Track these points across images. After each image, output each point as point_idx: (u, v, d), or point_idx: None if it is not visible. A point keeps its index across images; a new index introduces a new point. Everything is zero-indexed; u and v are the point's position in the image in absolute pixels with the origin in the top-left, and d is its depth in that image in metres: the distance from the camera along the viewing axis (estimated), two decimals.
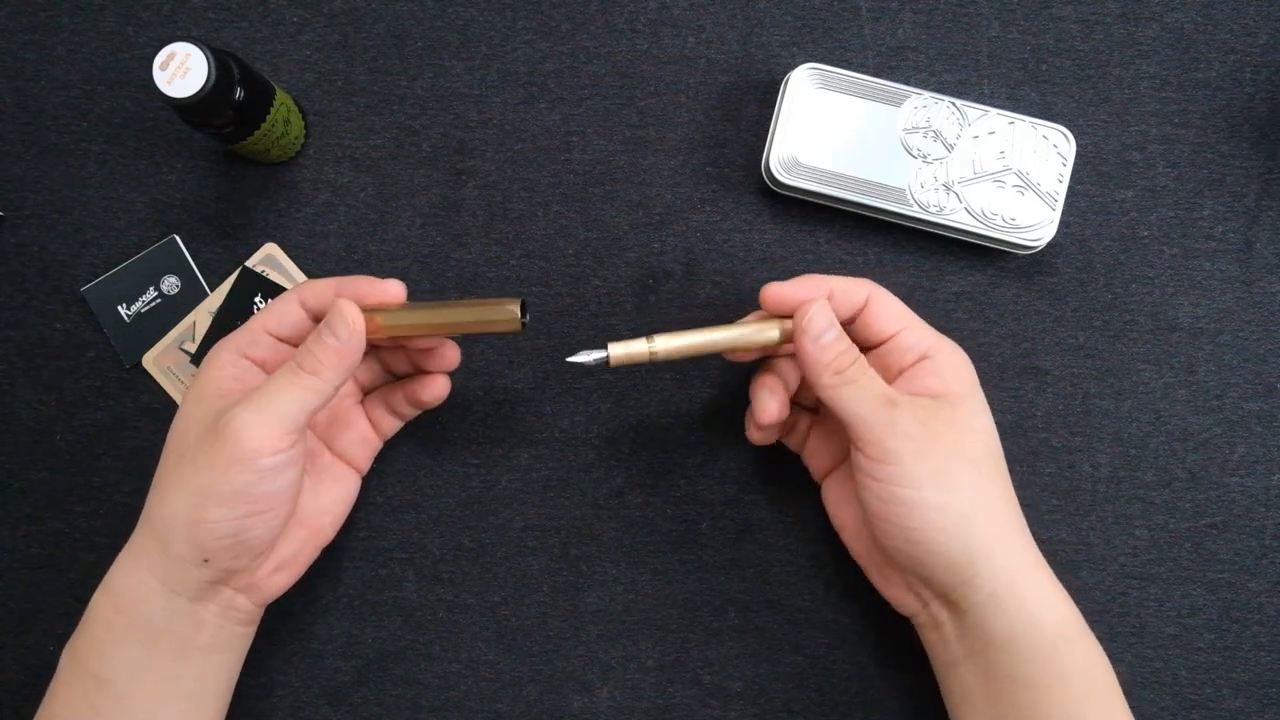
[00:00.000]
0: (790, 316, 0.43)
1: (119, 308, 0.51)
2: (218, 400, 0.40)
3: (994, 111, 0.49)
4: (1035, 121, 0.49)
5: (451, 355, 0.46)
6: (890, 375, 0.43)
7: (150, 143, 0.51)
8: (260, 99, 0.46)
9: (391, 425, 0.48)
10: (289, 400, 0.39)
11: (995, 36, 0.52)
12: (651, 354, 0.42)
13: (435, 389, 0.46)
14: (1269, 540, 0.51)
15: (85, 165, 0.51)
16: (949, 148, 0.49)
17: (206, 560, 0.39)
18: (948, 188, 0.49)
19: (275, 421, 0.38)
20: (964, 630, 0.41)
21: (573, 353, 0.43)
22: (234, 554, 0.39)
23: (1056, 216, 0.49)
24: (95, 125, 0.51)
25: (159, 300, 0.51)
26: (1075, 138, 0.50)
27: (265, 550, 0.41)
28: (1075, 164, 0.51)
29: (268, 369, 0.42)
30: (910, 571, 0.42)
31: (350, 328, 0.40)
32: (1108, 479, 0.51)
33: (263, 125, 0.46)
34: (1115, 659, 0.50)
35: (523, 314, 0.42)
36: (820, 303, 0.41)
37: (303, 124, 0.51)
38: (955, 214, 0.49)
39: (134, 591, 0.40)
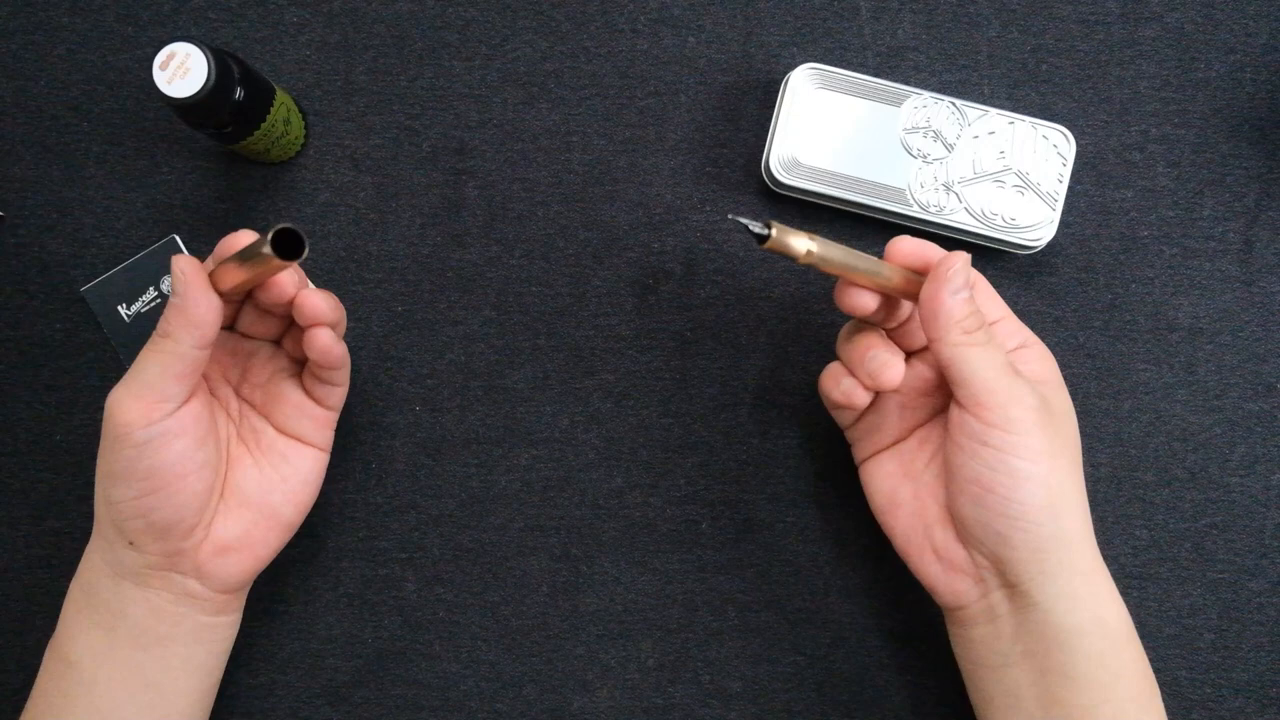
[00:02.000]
0: (917, 271, 0.41)
1: (119, 308, 0.51)
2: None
3: (994, 111, 0.49)
4: (1035, 121, 0.49)
5: (309, 305, 0.40)
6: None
7: (150, 143, 0.51)
8: (260, 99, 0.46)
9: (328, 394, 0.44)
10: (148, 367, 0.38)
11: (995, 36, 0.52)
12: (808, 253, 0.39)
13: (314, 344, 0.41)
14: (1269, 540, 0.51)
15: (85, 165, 0.51)
16: (949, 148, 0.49)
17: (131, 543, 0.39)
18: (948, 188, 0.49)
19: (141, 391, 0.38)
20: (1025, 624, 0.40)
21: (736, 213, 0.40)
22: (152, 535, 0.39)
23: (1056, 216, 0.49)
24: (95, 125, 0.51)
25: (159, 300, 0.51)
26: (1075, 138, 0.50)
27: (188, 529, 0.40)
28: (1075, 164, 0.51)
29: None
30: (991, 551, 0.40)
31: (184, 279, 0.38)
32: (1108, 479, 0.51)
33: (263, 125, 0.46)
34: None
35: (276, 248, 0.36)
36: (964, 259, 0.40)
37: (303, 124, 0.51)
38: (955, 214, 0.49)
39: (89, 575, 0.41)
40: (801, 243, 0.39)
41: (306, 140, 0.52)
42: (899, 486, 0.44)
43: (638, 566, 0.51)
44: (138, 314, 0.51)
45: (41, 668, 0.42)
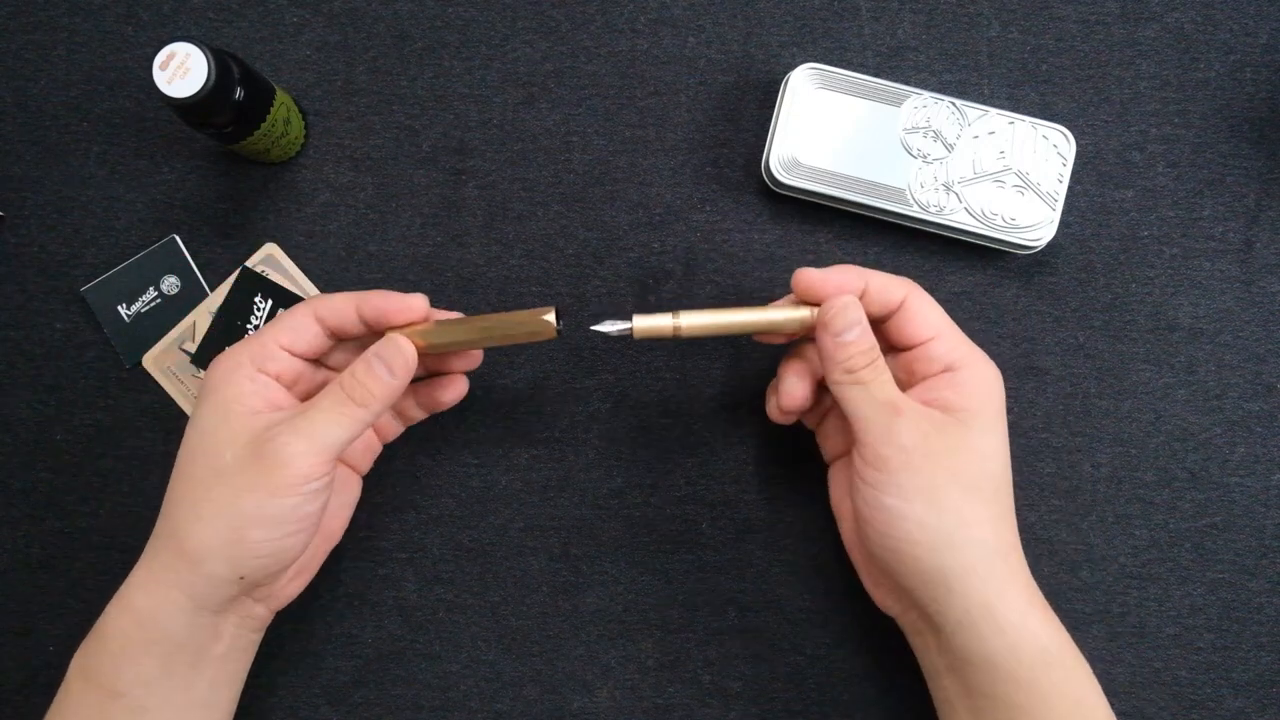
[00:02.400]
0: (819, 304, 0.42)
1: (119, 308, 0.51)
2: (247, 419, 0.40)
3: (994, 111, 0.49)
4: (1035, 121, 0.49)
5: (475, 354, 0.46)
6: (914, 380, 0.42)
7: (150, 143, 0.51)
8: (260, 99, 0.46)
9: (395, 430, 0.48)
10: (338, 429, 0.39)
11: (995, 36, 0.52)
12: (675, 329, 0.41)
13: (457, 389, 0.46)
14: (1269, 540, 0.51)
15: (85, 165, 0.51)
16: (949, 148, 0.49)
17: (242, 577, 0.39)
18: (948, 188, 0.49)
19: (323, 449, 0.39)
20: (941, 644, 0.41)
21: (596, 322, 0.42)
22: (269, 570, 0.40)
23: (1056, 216, 0.49)
24: (95, 125, 0.51)
25: (159, 300, 0.51)
26: (1075, 138, 0.50)
27: (299, 563, 0.43)
28: (1075, 164, 0.51)
29: (285, 382, 0.42)
30: (889, 578, 0.42)
31: (406, 365, 0.41)
32: (1108, 479, 0.51)
33: (263, 125, 0.46)
34: (1115, 659, 0.50)
35: (558, 320, 0.42)
36: (846, 301, 0.41)
37: (303, 124, 0.51)
38: (955, 214, 0.49)
39: (158, 609, 0.39)
40: (665, 320, 0.41)
41: (306, 140, 0.52)
42: (844, 497, 0.46)
43: (638, 566, 0.51)
44: (138, 314, 0.51)
45: (72, 693, 0.40)
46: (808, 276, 0.42)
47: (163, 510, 0.41)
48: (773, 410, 0.46)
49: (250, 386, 0.40)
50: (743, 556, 0.51)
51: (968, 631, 0.39)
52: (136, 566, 0.40)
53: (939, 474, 0.39)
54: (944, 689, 0.42)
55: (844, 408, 0.41)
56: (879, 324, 0.43)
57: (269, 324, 0.42)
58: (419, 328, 0.42)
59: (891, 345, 0.43)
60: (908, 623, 0.43)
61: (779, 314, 0.42)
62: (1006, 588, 0.39)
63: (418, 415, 0.48)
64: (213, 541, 0.39)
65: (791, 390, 0.44)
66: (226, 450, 0.39)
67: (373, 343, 0.42)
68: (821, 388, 0.46)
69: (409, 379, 0.41)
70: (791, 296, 0.44)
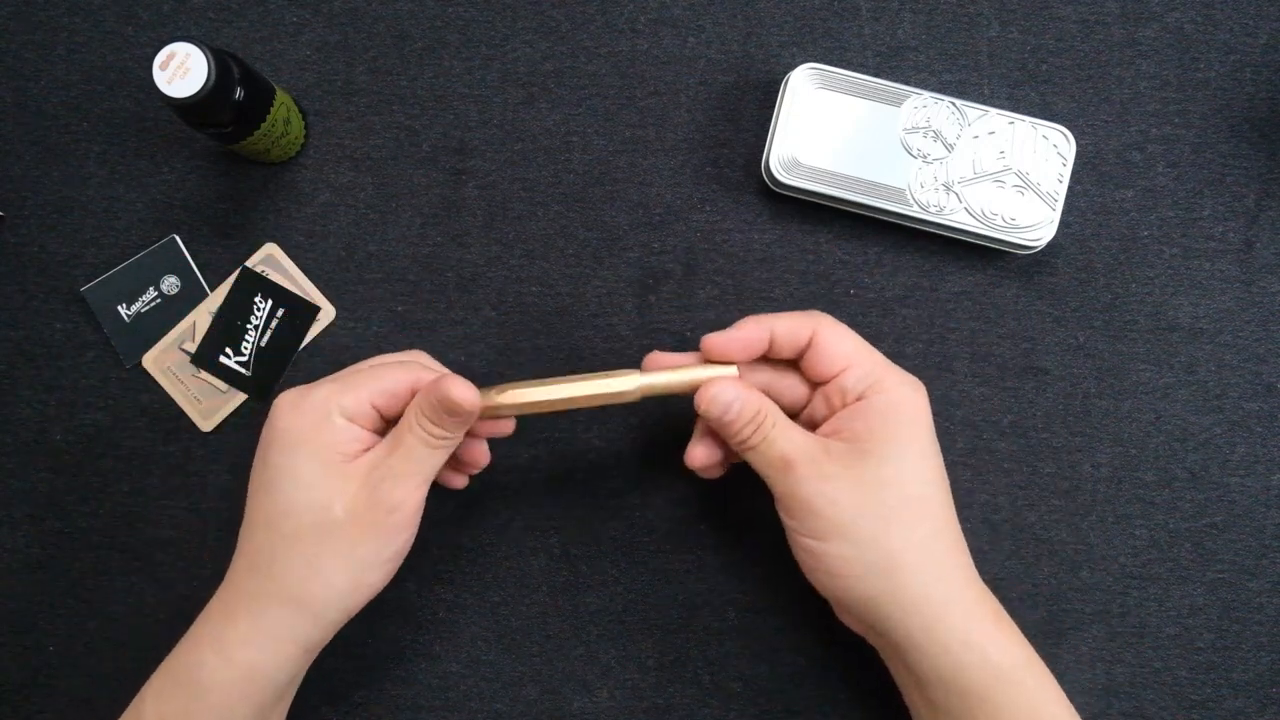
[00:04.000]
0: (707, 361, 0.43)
1: (119, 308, 0.51)
2: (348, 469, 0.40)
3: (994, 111, 0.49)
4: (1035, 121, 0.49)
5: (507, 424, 0.45)
6: (831, 412, 0.43)
7: (150, 143, 0.51)
8: (260, 99, 0.46)
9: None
10: (427, 462, 0.41)
11: (995, 36, 0.52)
12: (496, 406, 0.42)
13: (480, 460, 0.45)
14: (1269, 540, 0.51)
15: (85, 165, 0.51)
16: (949, 148, 0.49)
17: (351, 616, 0.42)
18: (948, 188, 0.49)
19: (424, 482, 0.41)
20: (899, 661, 0.42)
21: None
22: (364, 604, 0.42)
23: (1056, 216, 0.49)
24: (95, 125, 0.51)
25: (159, 300, 0.51)
26: (1075, 138, 0.50)
27: None
28: (1075, 164, 0.51)
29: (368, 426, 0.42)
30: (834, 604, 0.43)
31: (464, 410, 0.40)
32: (1108, 479, 0.51)
33: (263, 125, 0.46)
34: (1115, 659, 0.50)
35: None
36: (713, 394, 0.41)
37: (303, 124, 0.51)
38: (955, 214, 0.49)
39: (270, 663, 0.40)
40: (490, 397, 0.41)
41: (306, 140, 0.52)
42: None
43: (638, 566, 0.51)
44: (138, 314, 0.51)
45: None
46: (712, 342, 0.42)
47: (261, 566, 0.40)
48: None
49: (345, 436, 0.40)
50: (742, 556, 0.51)
51: (915, 652, 0.40)
52: (232, 617, 0.40)
53: (848, 509, 0.40)
54: (913, 702, 0.43)
55: (753, 467, 0.42)
56: (795, 361, 0.44)
57: (360, 374, 0.42)
58: (531, 396, 0.42)
59: (809, 380, 0.44)
60: (871, 640, 0.44)
61: (607, 385, 0.42)
62: (947, 608, 0.40)
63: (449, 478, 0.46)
64: (333, 593, 0.40)
65: (691, 451, 0.45)
66: (335, 503, 0.39)
67: None
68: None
69: (475, 411, 0.41)
70: (698, 354, 0.44)
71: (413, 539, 0.42)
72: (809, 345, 0.42)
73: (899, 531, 0.40)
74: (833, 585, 0.41)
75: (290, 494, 0.40)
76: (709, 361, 0.43)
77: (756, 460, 0.42)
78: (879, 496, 0.40)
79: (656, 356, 0.44)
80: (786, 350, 0.43)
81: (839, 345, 0.42)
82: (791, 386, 0.45)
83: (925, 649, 0.40)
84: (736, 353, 0.42)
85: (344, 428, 0.40)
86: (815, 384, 0.44)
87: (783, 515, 0.42)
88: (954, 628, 0.40)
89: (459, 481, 0.46)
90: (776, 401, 0.44)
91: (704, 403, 0.42)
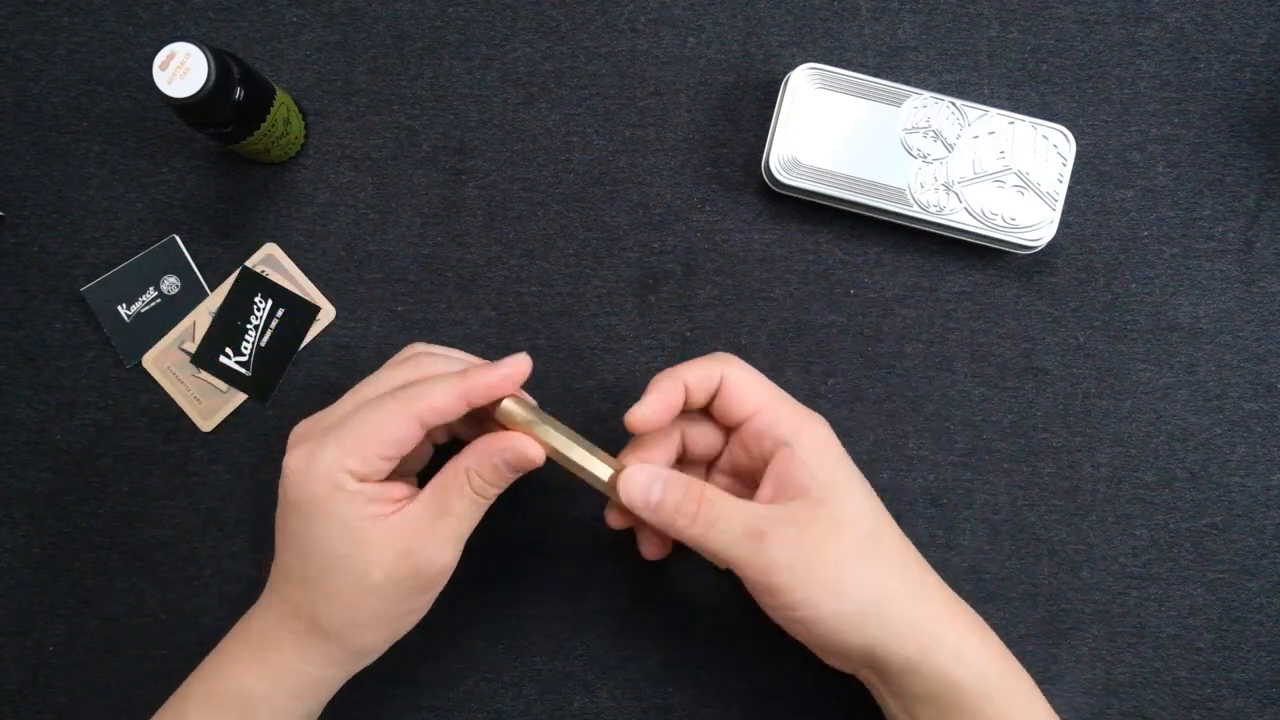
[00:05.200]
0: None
1: (119, 308, 0.51)
2: (380, 534, 0.39)
3: (994, 111, 0.49)
4: (1035, 121, 0.49)
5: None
6: (753, 459, 0.42)
7: (150, 143, 0.51)
8: (260, 99, 0.46)
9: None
10: (470, 522, 0.41)
11: (995, 36, 0.52)
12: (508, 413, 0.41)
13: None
14: (1269, 540, 0.51)
15: (85, 165, 0.51)
16: (949, 148, 0.49)
17: (375, 659, 0.43)
18: (948, 188, 0.49)
19: (461, 540, 0.41)
20: (892, 690, 0.42)
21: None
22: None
23: (1056, 216, 0.49)
24: (95, 125, 0.51)
25: (159, 300, 0.51)
26: (1075, 138, 0.50)
27: None
28: (1075, 164, 0.51)
29: (388, 476, 0.42)
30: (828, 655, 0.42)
31: (529, 465, 0.40)
32: (1108, 479, 0.51)
33: (263, 125, 0.46)
34: (1115, 659, 0.50)
35: None
36: (626, 475, 0.41)
37: (303, 124, 0.51)
38: (955, 214, 0.49)
39: (317, 686, 0.42)
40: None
41: (306, 140, 0.52)
42: None
43: (638, 567, 0.51)
44: (138, 314, 0.51)
45: None
46: (635, 418, 0.41)
47: (304, 614, 0.40)
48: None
49: (363, 503, 0.39)
50: None
51: (911, 675, 0.40)
52: (277, 647, 0.41)
53: (828, 565, 0.39)
54: None
55: (709, 553, 0.41)
56: (707, 407, 0.43)
57: (361, 425, 0.39)
58: (540, 432, 0.41)
59: (723, 423, 0.43)
60: (861, 676, 0.43)
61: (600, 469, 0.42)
62: (938, 629, 0.40)
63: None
64: (378, 640, 0.42)
65: (613, 519, 0.45)
66: (373, 570, 0.39)
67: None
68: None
69: (526, 470, 0.41)
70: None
71: (438, 593, 0.42)
72: (718, 391, 0.42)
73: (880, 569, 0.40)
74: (827, 643, 0.40)
75: (323, 562, 0.39)
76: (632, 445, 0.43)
77: (714, 543, 0.40)
78: (850, 542, 0.40)
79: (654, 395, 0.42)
80: (701, 396, 0.42)
81: (748, 388, 0.42)
82: (705, 433, 0.44)
83: (922, 672, 0.40)
84: (659, 416, 0.41)
85: (359, 491, 0.39)
86: (727, 429, 0.44)
87: (761, 594, 0.40)
88: (947, 645, 0.40)
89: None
90: (691, 450, 0.44)
91: (622, 496, 0.41)
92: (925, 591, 0.41)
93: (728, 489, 0.43)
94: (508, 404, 0.41)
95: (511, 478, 0.41)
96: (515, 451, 0.39)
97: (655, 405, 0.41)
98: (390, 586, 0.39)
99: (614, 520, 0.45)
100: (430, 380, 0.40)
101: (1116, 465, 0.51)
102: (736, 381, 0.42)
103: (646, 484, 0.41)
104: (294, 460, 0.39)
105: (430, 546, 0.40)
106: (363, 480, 0.39)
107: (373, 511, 0.39)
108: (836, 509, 0.40)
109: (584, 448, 0.42)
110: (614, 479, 0.41)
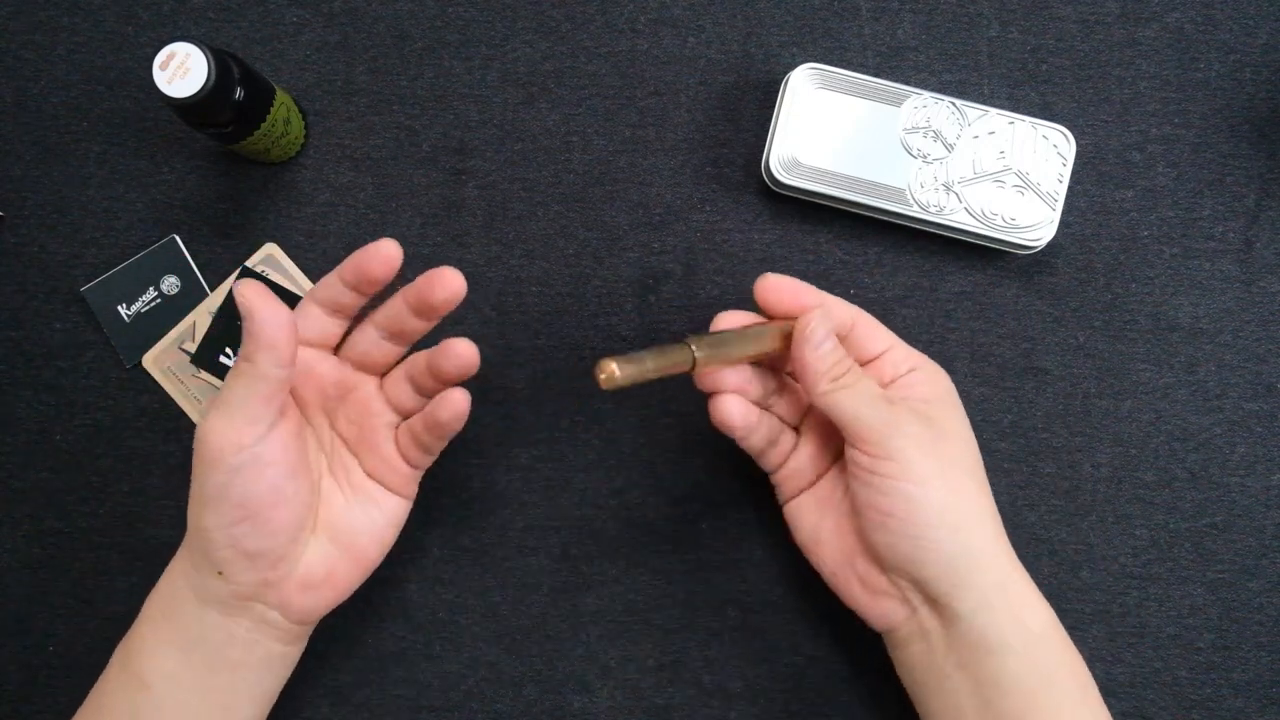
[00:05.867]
0: (779, 318, 0.43)
1: (119, 308, 0.51)
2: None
3: (994, 111, 0.49)
4: (1035, 121, 0.49)
5: (469, 355, 0.41)
6: (881, 384, 0.44)
7: (150, 143, 0.51)
8: (260, 99, 0.46)
9: (418, 457, 0.44)
10: (233, 391, 0.38)
11: (995, 36, 0.52)
12: (692, 362, 0.40)
13: (452, 406, 0.42)
14: (1269, 540, 0.51)
15: (85, 165, 0.51)
16: (949, 148, 0.49)
17: (220, 573, 0.39)
18: (948, 188, 0.49)
19: (230, 415, 0.38)
20: (954, 637, 0.41)
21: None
22: (242, 564, 0.39)
23: (1056, 216, 0.49)
24: (95, 125, 0.51)
25: (159, 300, 0.51)
26: (1075, 138, 0.50)
27: (277, 560, 0.40)
28: (1075, 164, 0.51)
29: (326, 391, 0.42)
30: (906, 574, 0.41)
31: (245, 302, 0.37)
32: (1108, 479, 0.51)
33: (263, 125, 0.46)
34: (1115, 659, 0.50)
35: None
36: (821, 311, 0.42)
37: (303, 124, 0.51)
38: (955, 214, 0.49)
39: (171, 595, 0.41)
40: (685, 354, 0.39)
41: (306, 140, 0.52)
42: (820, 523, 0.45)
43: (638, 566, 0.51)
44: (138, 314, 0.51)
45: (108, 677, 0.42)
46: (774, 282, 0.43)
47: (191, 533, 0.41)
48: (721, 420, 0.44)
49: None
50: (743, 556, 0.51)
51: (986, 613, 0.40)
52: (178, 594, 0.41)
53: (946, 459, 0.41)
54: (950, 692, 0.41)
55: (835, 414, 0.41)
56: (844, 335, 0.44)
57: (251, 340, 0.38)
58: (629, 368, 0.37)
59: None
60: (911, 628, 0.42)
61: (770, 336, 0.42)
62: (1012, 566, 0.42)
63: (428, 440, 0.43)
64: (192, 534, 0.40)
65: (730, 410, 0.43)
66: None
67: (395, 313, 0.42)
68: (780, 421, 0.46)
69: (265, 315, 0.37)
70: (727, 315, 0.44)
71: (260, 495, 0.39)
72: (853, 327, 0.44)
73: (976, 489, 0.42)
74: (925, 539, 0.40)
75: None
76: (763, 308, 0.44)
77: (853, 401, 0.40)
78: (958, 451, 0.42)
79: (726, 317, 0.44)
80: (833, 325, 0.42)
81: (880, 329, 0.44)
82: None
83: (998, 607, 0.40)
84: (807, 303, 0.42)
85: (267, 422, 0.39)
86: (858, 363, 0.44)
87: (880, 464, 0.40)
88: (1017, 586, 0.41)
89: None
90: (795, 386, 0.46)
91: (810, 328, 0.41)
92: (1002, 532, 0.42)
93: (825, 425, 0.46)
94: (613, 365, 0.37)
95: (253, 329, 0.37)
96: (238, 294, 0.37)
97: (791, 289, 0.43)
98: (205, 451, 0.38)
99: (734, 409, 0.43)
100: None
101: (1116, 465, 0.51)
102: (871, 323, 0.44)
103: (826, 334, 0.41)
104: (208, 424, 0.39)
105: (207, 411, 0.39)
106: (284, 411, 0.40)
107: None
108: (951, 423, 0.42)
109: (745, 334, 0.42)
110: (775, 333, 0.42)
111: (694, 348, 0.40)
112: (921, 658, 0.42)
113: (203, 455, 0.38)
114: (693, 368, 0.40)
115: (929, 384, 0.43)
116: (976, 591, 0.40)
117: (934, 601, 0.41)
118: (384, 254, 0.40)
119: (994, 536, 0.41)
